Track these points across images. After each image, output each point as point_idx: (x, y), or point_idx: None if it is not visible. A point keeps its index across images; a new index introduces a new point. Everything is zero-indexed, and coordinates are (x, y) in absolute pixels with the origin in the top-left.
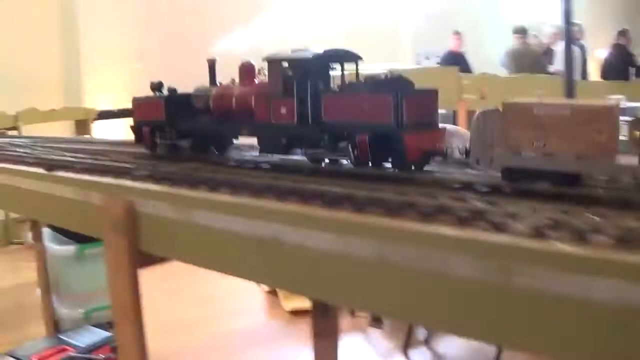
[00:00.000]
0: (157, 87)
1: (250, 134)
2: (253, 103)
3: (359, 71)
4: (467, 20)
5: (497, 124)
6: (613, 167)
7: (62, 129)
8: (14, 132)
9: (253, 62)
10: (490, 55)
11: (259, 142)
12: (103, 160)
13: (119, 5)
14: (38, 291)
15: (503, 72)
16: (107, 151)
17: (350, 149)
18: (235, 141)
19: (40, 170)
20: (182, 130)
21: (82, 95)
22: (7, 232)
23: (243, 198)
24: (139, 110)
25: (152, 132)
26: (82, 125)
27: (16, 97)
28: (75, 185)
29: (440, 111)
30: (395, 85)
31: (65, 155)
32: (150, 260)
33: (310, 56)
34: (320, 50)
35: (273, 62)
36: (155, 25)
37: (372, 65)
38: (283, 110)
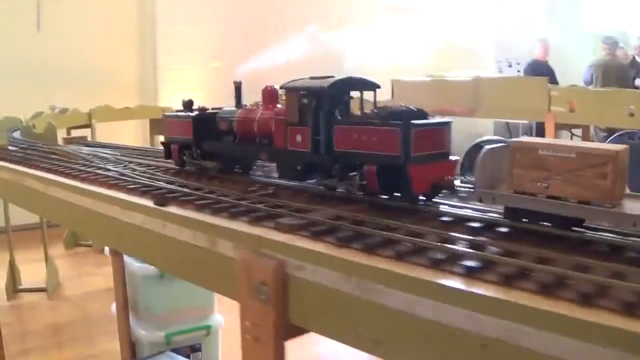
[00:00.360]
0: (187, 105)
1: (270, 159)
2: (273, 129)
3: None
4: (549, 28)
5: (503, 162)
6: (615, 215)
7: (136, 128)
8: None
9: (276, 87)
10: (573, 65)
11: (277, 167)
12: (229, 194)
13: (197, 3)
14: (113, 307)
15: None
16: (226, 179)
17: (359, 180)
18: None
19: (148, 203)
20: (207, 151)
21: (157, 93)
22: (74, 233)
23: (451, 279)
24: (169, 127)
25: (181, 150)
26: (157, 125)
27: (90, 95)
28: (197, 228)
29: (522, 121)
30: (406, 116)
31: (173, 183)
32: (296, 330)
33: (326, 85)
34: (337, 79)
35: (290, 90)
36: (235, 23)
37: (455, 73)
38: (298, 138)
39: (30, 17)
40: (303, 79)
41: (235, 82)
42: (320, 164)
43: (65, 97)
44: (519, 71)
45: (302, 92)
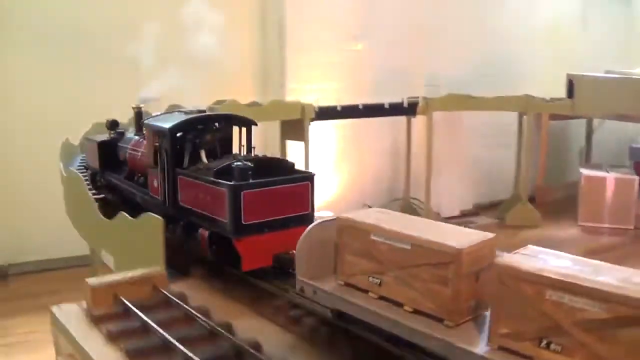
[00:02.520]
0: (110, 126)
1: (142, 204)
2: (146, 167)
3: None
4: None
5: (306, 246)
6: (446, 345)
7: (265, 130)
8: None
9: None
10: None
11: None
12: None
13: None
14: None
15: None
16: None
17: (196, 242)
18: None
19: None
20: (109, 183)
21: (285, 84)
22: None
23: None
24: (87, 151)
25: (93, 178)
26: (291, 127)
27: (191, 83)
28: None
29: None
30: (243, 172)
31: None
32: None
33: (168, 127)
34: (189, 117)
35: (147, 127)
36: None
37: None
38: (155, 183)
39: None
40: (171, 112)
41: (134, 108)
42: (169, 217)
43: (156, 84)
44: None
45: (154, 131)
